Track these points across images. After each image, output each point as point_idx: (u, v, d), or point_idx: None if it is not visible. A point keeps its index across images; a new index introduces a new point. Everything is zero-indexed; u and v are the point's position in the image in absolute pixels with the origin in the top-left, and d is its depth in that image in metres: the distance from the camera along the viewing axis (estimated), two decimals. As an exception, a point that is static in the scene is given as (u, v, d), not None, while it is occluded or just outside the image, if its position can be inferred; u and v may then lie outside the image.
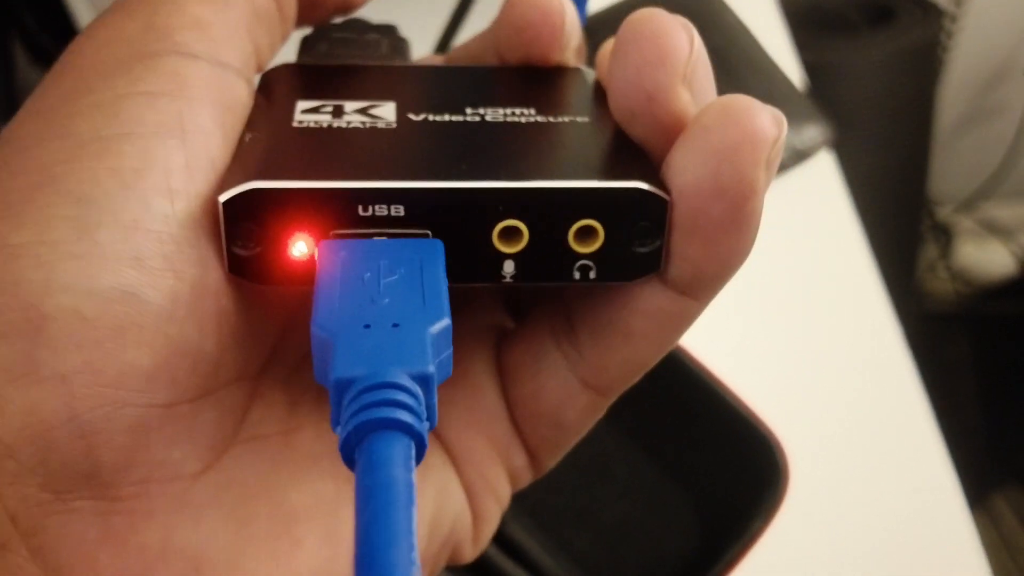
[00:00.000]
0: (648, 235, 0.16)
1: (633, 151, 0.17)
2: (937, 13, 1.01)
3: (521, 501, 0.39)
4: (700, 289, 0.17)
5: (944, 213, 1.30)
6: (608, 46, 0.18)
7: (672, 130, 0.16)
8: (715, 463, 0.41)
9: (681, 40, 0.16)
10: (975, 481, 1.09)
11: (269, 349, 0.18)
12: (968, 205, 1.29)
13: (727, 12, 0.57)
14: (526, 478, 0.20)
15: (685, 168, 0.16)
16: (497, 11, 0.20)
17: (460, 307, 0.19)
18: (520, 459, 0.19)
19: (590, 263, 0.16)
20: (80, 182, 0.15)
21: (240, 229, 0.15)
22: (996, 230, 1.31)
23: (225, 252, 0.15)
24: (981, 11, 1.14)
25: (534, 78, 0.20)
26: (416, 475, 0.18)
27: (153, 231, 0.15)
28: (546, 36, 0.19)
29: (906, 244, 1.13)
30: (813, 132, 0.54)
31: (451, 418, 0.19)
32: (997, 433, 1.15)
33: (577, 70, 0.20)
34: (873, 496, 0.43)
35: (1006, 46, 1.20)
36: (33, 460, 0.14)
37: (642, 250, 0.16)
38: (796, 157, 0.53)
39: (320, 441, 0.17)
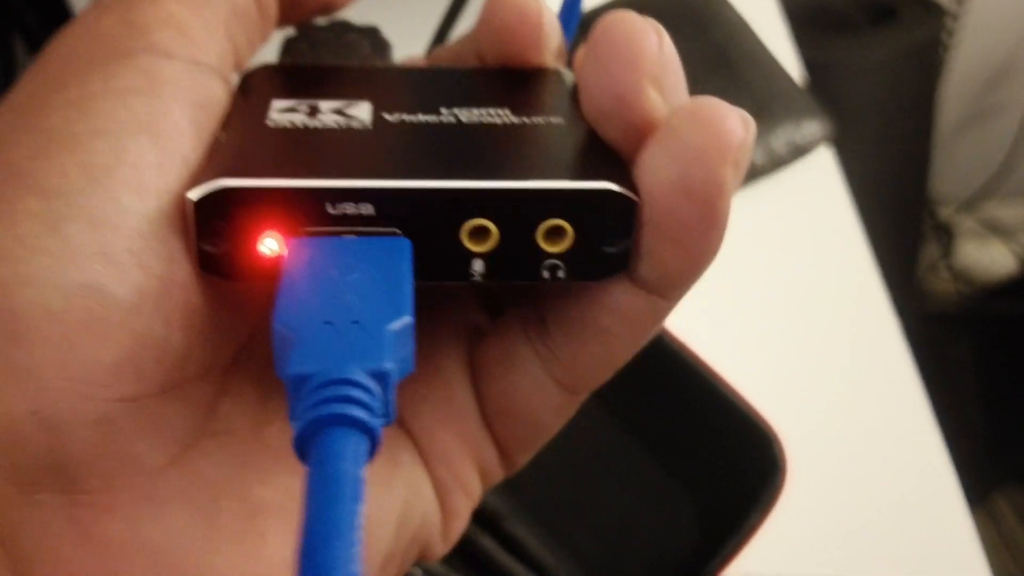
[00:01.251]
0: (617, 235, 0.16)
1: (604, 152, 0.17)
2: (939, 12, 1.02)
3: (520, 496, 0.40)
4: (669, 288, 0.17)
5: (946, 213, 1.30)
6: (584, 45, 0.18)
7: (642, 131, 0.17)
8: (714, 457, 0.41)
9: (650, 41, 0.16)
10: (975, 480, 1.09)
11: (240, 344, 0.18)
12: (970, 205, 1.29)
13: (728, 8, 0.57)
14: (498, 475, 0.20)
15: (654, 169, 0.16)
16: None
17: (435, 304, 0.19)
18: (491, 456, 0.19)
19: (559, 263, 0.16)
20: (49, 176, 0.15)
21: (210, 226, 0.15)
22: (997, 230, 1.31)
23: (195, 249, 0.16)
24: (983, 10, 1.14)
25: (511, 80, 0.20)
26: (383, 471, 0.18)
27: (121, 227, 0.15)
28: (524, 37, 0.19)
29: (908, 244, 1.13)
30: (813, 127, 0.54)
31: (422, 414, 0.19)
32: (998, 432, 1.15)
33: (555, 72, 0.20)
34: (871, 491, 0.43)
35: (1008, 46, 1.20)
36: None
37: (611, 250, 0.16)
38: (796, 152, 0.53)
39: (289, 436, 0.17)
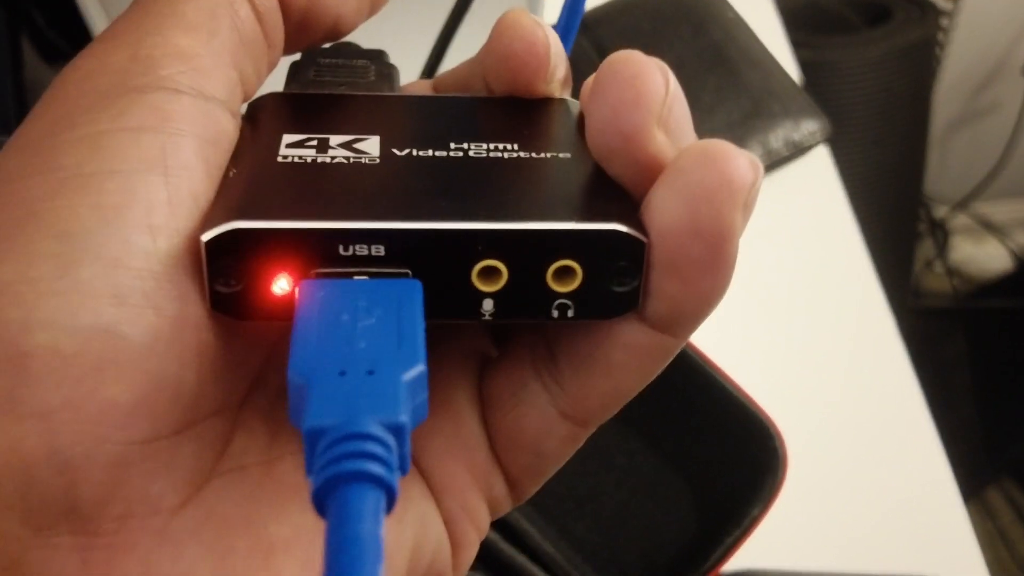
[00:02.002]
0: (626, 275, 0.16)
1: (613, 189, 0.17)
2: (934, 12, 1.02)
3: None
4: (678, 326, 0.17)
5: (941, 210, 1.30)
6: (590, 81, 0.18)
7: (649, 170, 0.17)
8: (714, 451, 0.41)
9: (657, 82, 0.16)
10: (970, 474, 1.10)
11: (251, 380, 0.18)
12: (964, 202, 1.30)
13: (726, 7, 0.57)
14: (506, 505, 0.20)
15: (664, 209, 0.16)
16: (485, 34, 0.20)
17: (445, 336, 0.19)
18: (500, 487, 0.19)
19: (568, 302, 0.16)
20: (62, 219, 0.15)
21: (222, 267, 0.15)
22: (992, 227, 1.32)
23: (208, 289, 0.16)
24: (977, 10, 1.14)
25: (519, 111, 0.20)
26: (395, 507, 0.18)
27: (133, 268, 0.15)
28: (531, 67, 0.19)
29: (903, 241, 1.13)
30: (811, 126, 0.54)
31: (432, 446, 0.19)
32: (992, 427, 1.15)
33: (562, 102, 0.20)
34: (869, 484, 0.44)
35: (1002, 45, 1.21)
36: (14, 496, 0.14)
37: (620, 289, 0.16)
38: (794, 151, 0.54)
39: (300, 471, 0.17)
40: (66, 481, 0.14)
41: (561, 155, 0.18)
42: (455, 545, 0.19)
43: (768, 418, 0.40)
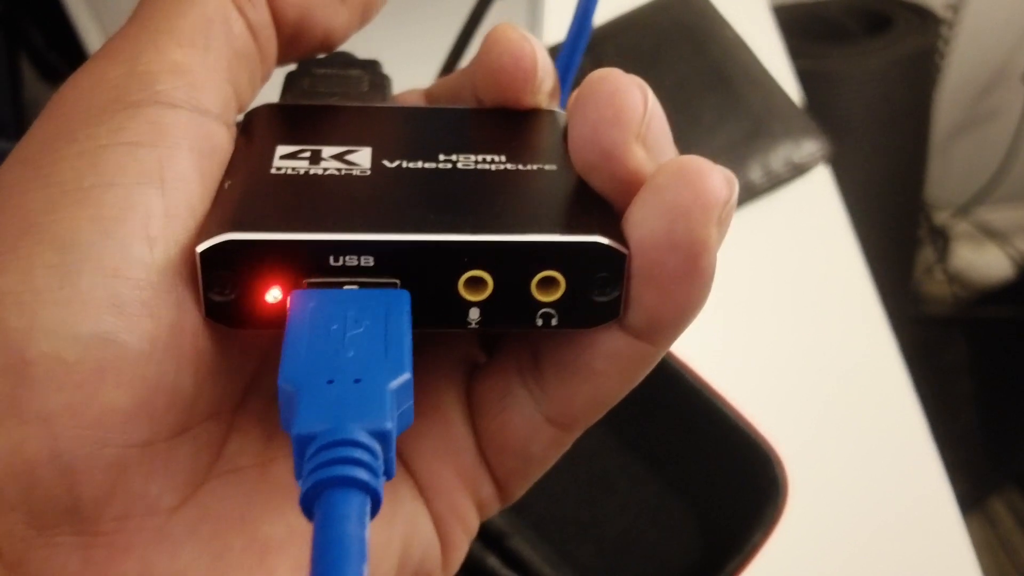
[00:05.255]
0: (607, 285, 0.17)
1: (595, 202, 0.18)
2: (934, 21, 1.02)
3: (524, 514, 0.40)
4: (657, 335, 0.18)
5: (941, 217, 1.30)
6: (574, 97, 0.18)
7: (629, 184, 0.17)
8: (715, 476, 0.41)
9: (635, 100, 0.17)
10: (972, 483, 1.10)
11: (246, 385, 0.18)
12: (965, 209, 1.30)
13: (726, 27, 0.57)
14: (494, 507, 0.20)
15: (642, 223, 0.17)
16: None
17: (434, 343, 0.20)
18: (488, 490, 0.20)
19: (552, 311, 0.17)
20: (62, 230, 0.15)
21: (217, 277, 0.16)
22: (993, 234, 1.32)
23: (202, 298, 0.16)
24: (977, 18, 1.14)
25: (507, 122, 0.20)
26: (385, 508, 0.18)
27: (132, 278, 0.15)
28: (518, 80, 0.20)
29: (904, 248, 1.13)
30: (811, 147, 0.54)
31: (421, 449, 0.19)
32: (994, 436, 1.15)
33: (550, 113, 0.21)
34: (871, 509, 0.44)
35: (1002, 53, 1.21)
36: (17, 497, 0.15)
37: (602, 299, 0.17)
38: (794, 171, 0.54)
39: (293, 474, 0.18)
40: (68, 482, 0.15)
41: (547, 167, 0.19)
42: (444, 545, 0.20)
43: (768, 444, 0.40)
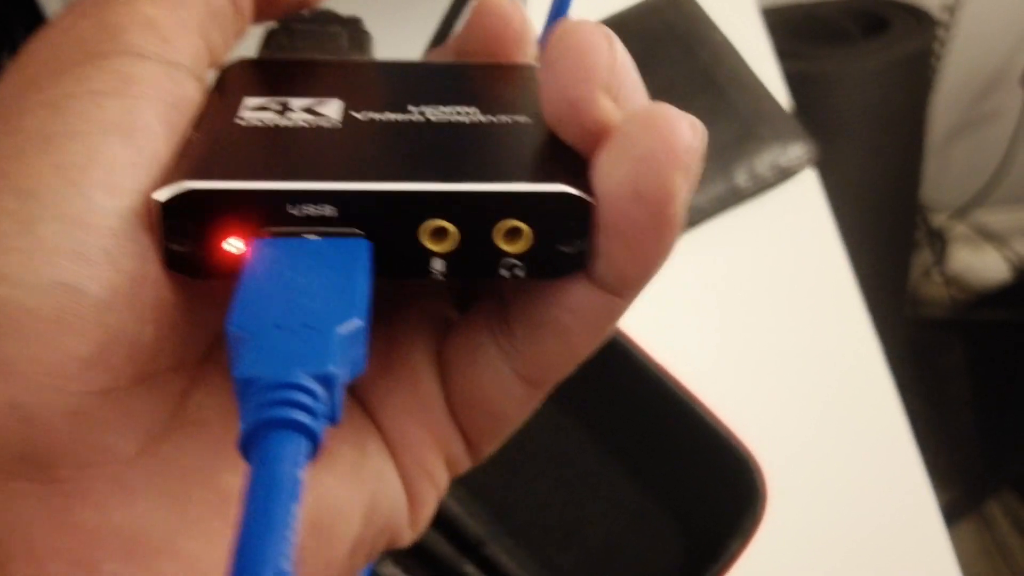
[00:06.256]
0: (573, 236, 0.17)
1: (565, 153, 0.17)
2: (930, 22, 1.02)
3: (502, 521, 0.40)
4: (624, 287, 0.18)
5: (939, 220, 1.30)
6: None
7: (596, 136, 0.17)
8: (696, 483, 0.41)
9: (602, 50, 0.17)
10: (969, 487, 1.10)
11: (211, 338, 0.18)
12: (962, 212, 1.29)
13: (714, 31, 0.57)
14: (464, 464, 0.20)
15: (608, 173, 0.16)
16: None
17: (406, 298, 0.20)
18: (458, 446, 0.20)
19: (518, 262, 0.17)
20: (24, 177, 0.15)
21: (175, 226, 0.16)
22: (990, 236, 1.32)
23: (162, 248, 0.16)
24: (974, 20, 1.14)
25: (483, 75, 0.20)
26: (352, 461, 0.18)
27: (94, 225, 0.15)
28: (508, 42, 0.20)
29: (901, 250, 1.13)
30: (798, 150, 0.54)
31: (390, 405, 0.19)
32: (991, 438, 1.15)
33: (528, 67, 0.21)
34: (852, 516, 0.44)
35: (999, 54, 1.21)
36: None
37: (568, 250, 0.17)
38: (781, 175, 0.53)
39: None
40: (25, 429, 0.15)
41: (520, 119, 0.19)
42: (412, 502, 0.20)
43: (748, 452, 0.40)
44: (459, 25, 0.38)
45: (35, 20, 0.54)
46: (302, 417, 0.13)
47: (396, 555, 0.37)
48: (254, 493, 0.13)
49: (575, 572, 0.40)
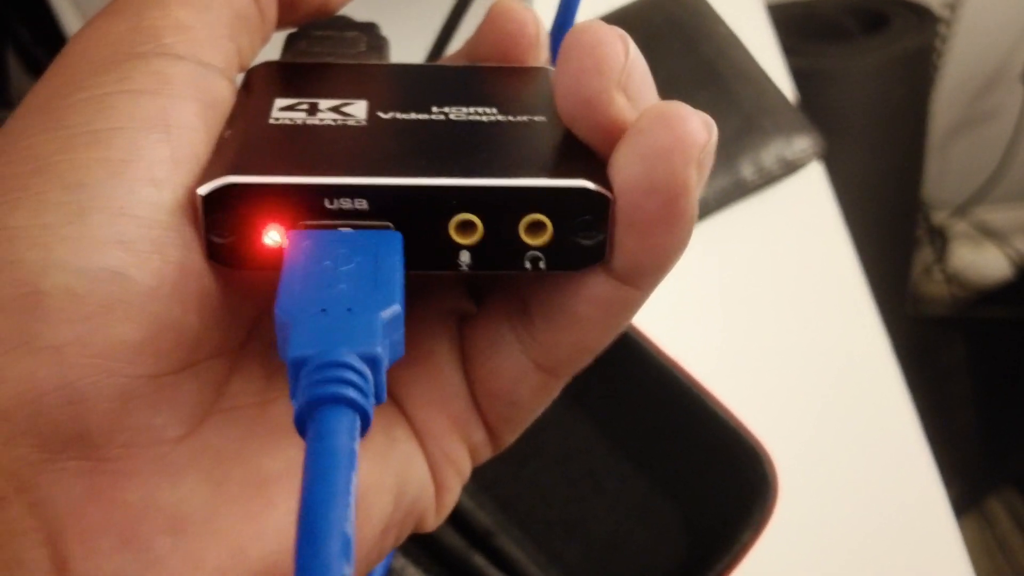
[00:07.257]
0: (592, 229, 0.18)
1: (582, 150, 0.18)
2: (931, 19, 1.02)
3: (510, 513, 0.40)
4: (640, 279, 0.18)
5: (940, 217, 1.30)
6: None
7: (611, 132, 0.18)
8: (704, 476, 0.41)
9: (616, 50, 0.17)
10: (970, 484, 1.10)
11: (249, 327, 0.19)
12: (963, 209, 1.30)
13: (719, 23, 0.57)
14: (486, 452, 0.21)
15: (623, 167, 0.17)
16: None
17: (425, 293, 0.21)
18: (479, 435, 0.21)
19: (540, 254, 0.18)
20: (72, 170, 0.16)
21: (217, 219, 0.17)
22: (991, 234, 1.32)
23: (204, 240, 0.17)
24: (975, 17, 1.14)
25: (499, 78, 0.21)
26: (381, 446, 0.19)
27: (139, 216, 0.16)
28: (523, 46, 0.21)
29: (902, 248, 1.13)
30: (803, 143, 0.54)
31: (415, 395, 0.20)
32: (992, 436, 1.15)
33: (541, 69, 0.22)
34: (863, 508, 0.43)
35: (1000, 51, 1.21)
36: (26, 423, 0.15)
37: (587, 243, 0.18)
38: (786, 168, 0.53)
39: (291, 413, 0.19)
40: (75, 410, 0.15)
41: (536, 119, 0.19)
42: (438, 487, 0.21)
43: (758, 443, 0.40)
44: (460, 27, 0.39)
45: (35, 16, 0.54)
46: (353, 394, 0.14)
47: (404, 547, 0.37)
48: (314, 464, 0.13)
49: (583, 564, 0.40)
